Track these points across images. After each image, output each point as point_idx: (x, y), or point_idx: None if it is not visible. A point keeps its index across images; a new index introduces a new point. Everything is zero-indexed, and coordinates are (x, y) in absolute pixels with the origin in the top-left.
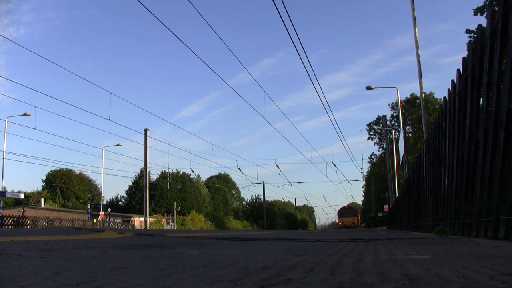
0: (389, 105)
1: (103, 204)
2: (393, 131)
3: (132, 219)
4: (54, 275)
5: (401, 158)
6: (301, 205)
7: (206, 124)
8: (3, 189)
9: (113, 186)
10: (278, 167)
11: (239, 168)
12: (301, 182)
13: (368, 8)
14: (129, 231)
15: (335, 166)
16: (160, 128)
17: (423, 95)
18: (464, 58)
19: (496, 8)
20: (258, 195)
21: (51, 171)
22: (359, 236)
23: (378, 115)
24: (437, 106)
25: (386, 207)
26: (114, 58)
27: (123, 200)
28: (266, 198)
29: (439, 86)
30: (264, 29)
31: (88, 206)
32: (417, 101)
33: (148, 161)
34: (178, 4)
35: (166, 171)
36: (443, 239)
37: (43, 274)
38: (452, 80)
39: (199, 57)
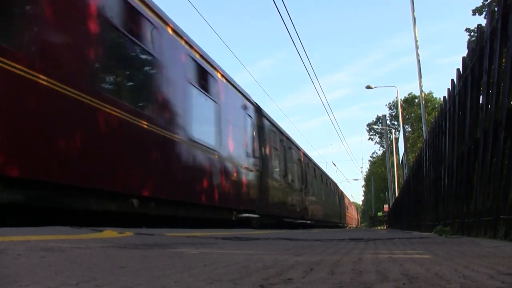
0: (386, 105)
1: None
2: (393, 131)
3: None
4: (54, 274)
5: (400, 157)
6: None
7: None
8: None
9: None
10: None
11: None
12: None
13: (368, 8)
14: (129, 230)
15: (335, 165)
16: None
17: (423, 94)
18: (463, 58)
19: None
20: None
21: None
22: (359, 235)
23: (377, 115)
24: (436, 106)
25: (386, 206)
26: None
27: None
28: None
29: (438, 86)
30: (263, 29)
31: None
32: (416, 100)
33: None
34: (177, 3)
35: None
36: (443, 238)
37: (43, 273)
38: (452, 80)
39: None
